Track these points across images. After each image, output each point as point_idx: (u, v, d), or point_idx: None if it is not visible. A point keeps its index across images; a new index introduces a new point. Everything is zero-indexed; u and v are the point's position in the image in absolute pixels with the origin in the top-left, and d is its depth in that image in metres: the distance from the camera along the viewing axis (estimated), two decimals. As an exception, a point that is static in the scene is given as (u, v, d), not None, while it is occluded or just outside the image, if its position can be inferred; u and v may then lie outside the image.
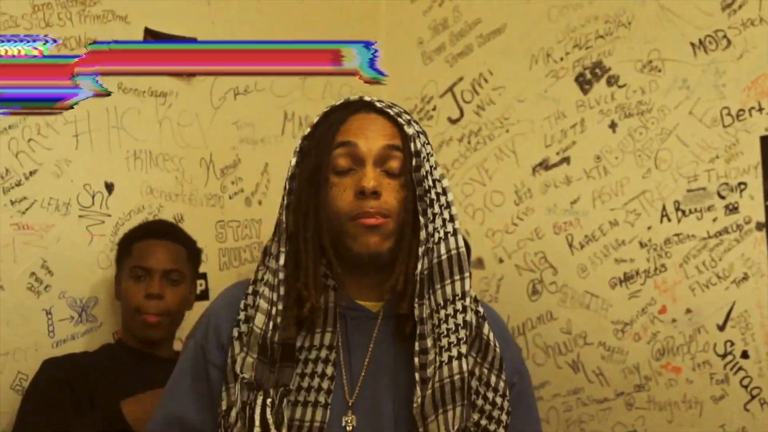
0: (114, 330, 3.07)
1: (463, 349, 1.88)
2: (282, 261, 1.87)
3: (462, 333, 1.89)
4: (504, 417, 1.96)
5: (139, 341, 2.89)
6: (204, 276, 3.34)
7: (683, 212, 3.23)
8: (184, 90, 3.32)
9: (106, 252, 3.07)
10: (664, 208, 3.27)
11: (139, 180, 3.19)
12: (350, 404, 1.91)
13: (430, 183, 1.88)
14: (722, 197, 3.15)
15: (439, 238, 1.88)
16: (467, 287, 1.90)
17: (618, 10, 3.44)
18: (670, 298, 3.21)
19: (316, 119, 1.93)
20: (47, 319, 2.94)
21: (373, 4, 4.11)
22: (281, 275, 1.86)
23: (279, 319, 1.86)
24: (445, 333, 1.88)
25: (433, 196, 1.88)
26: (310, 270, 1.85)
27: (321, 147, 1.88)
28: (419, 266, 1.85)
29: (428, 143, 1.93)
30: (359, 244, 1.84)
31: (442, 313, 1.88)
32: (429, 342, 1.87)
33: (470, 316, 1.91)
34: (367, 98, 1.93)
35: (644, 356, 3.25)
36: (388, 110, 1.91)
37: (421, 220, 1.86)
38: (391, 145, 1.87)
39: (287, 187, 1.91)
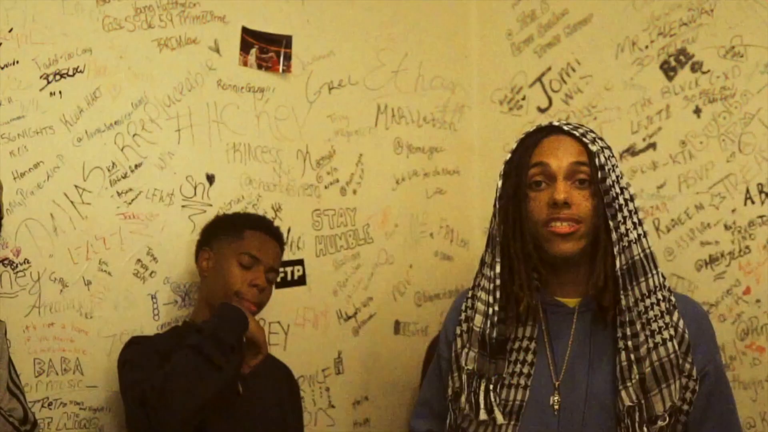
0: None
1: (672, 332, 2.19)
2: (498, 269, 2.24)
3: (668, 318, 2.19)
4: (692, 397, 2.22)
5: None
6: (301, 262, 3.46)
7: (767, 194, 3.25)
8: (280, 85, 3.43)
9: None
10: (747, 191, 3.29)
11: (238, 171, 3.30)
12: (556, 386, 2.25)
13: (617, 191, 2.19)
14: (807, 183, 3.17)
15: (632, 239, 2.17)
16: (661, 279, 2.21)
17: None
18: (754, 279, 3.24)
19: (514, 145, 2.31)
20: (152, 304, 3.07)
21: None
22: (498, 281, 2.24)
23: (495, 318, 2.24)
24: (654, 318, 2.17)
25: (621, 201, 2.19)
26: (523, 274, 2.21)
27: (519, 168, 2.22)
28: (617, 263, 2.16)
29: (613, 156, 2.25)
30: (554, 248, 2.18)
31: (648, 301, 2.17)
32: (638, 326, 2.16)
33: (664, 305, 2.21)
34: (555, 123, 2.29)
35: (729, 337, 3.29)
36: (575, 132, 2.23)
37: (611, 223, 2.16)
38: (578, 162, 2.19)
39: (496, 205, 2.28)
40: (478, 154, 4.16)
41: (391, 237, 3.79)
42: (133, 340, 2.84)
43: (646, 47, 3.61)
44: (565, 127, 2.24)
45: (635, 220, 2.20)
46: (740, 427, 2.34)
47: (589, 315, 2.26)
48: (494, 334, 2.25)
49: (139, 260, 3.05)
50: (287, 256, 3.35)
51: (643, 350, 2.16)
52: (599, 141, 2.25)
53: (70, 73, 2.89)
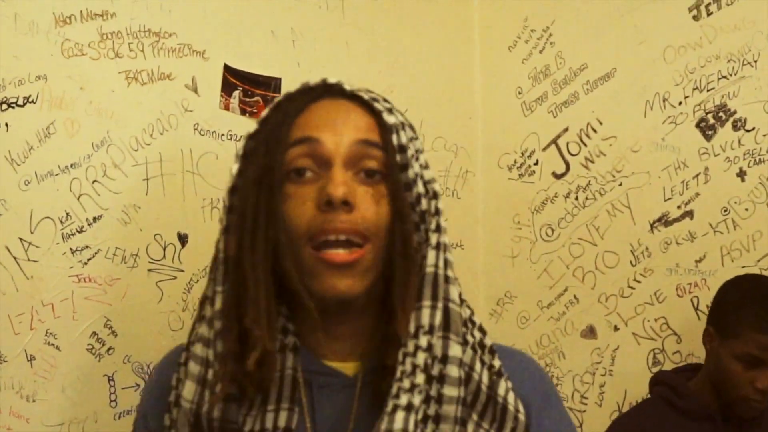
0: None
1: (416, 399, 1.36)
2: (219, 304, 1.41)
3: (419, 377, 1.37)
4: None
5: None
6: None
7: None
8: None
9: (178, 312, 2.83)
10: None
11: (215, 232, 2.89)
12: None
13: (421, 190, 1.44)
14: None
15: (422, 256, 1.43)
16: (437, 320, 1.39)
17: (742, 47, 3.19)
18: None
19: (265, 112, 1.51)
20: (109, 387, 2.71)
21: (467, 52, 3.92)
22: (218, 324, 1.40)
23: (218, 386, 1.38)
24: (410, 371, 1.37)
25: (425, 206, 1.43)
26: (262, 302, 1.38)
27: (270, 145, 1.42)
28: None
29: (416, 138, 1.50)
30: (324, 284, 1.37)
31: (411, 344, 1.38)
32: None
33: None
34: (332, 80, 1.50)
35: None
36: (361, 95, 1.48)
37: (414, 238, 1.41)
38: (367, 141, 1.42)
39: (227, 203, 1.49)
40: (483, 225, 3.86)
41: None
42: None
43: (680, 104, 3.33)
44: (347, 88, 1.48)
45: (432, 225, 1.44)
46: None
47: (372, 388, 1.45)
48: (216, 414, 1.39)
49: (94, 333, 2.67)
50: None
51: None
52: (398, 113, 1.50)
53: (20, 102, 2.53)
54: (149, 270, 2.78)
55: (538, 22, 3.74)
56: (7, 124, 2.48)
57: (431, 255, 1.41)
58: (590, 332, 3.44)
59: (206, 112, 2.94)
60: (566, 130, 3.59)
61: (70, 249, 2.62)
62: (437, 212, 1.44)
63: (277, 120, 1.44)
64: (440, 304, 1.39)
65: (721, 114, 3.21)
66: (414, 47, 3.66)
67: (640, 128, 3.40)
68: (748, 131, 3.14)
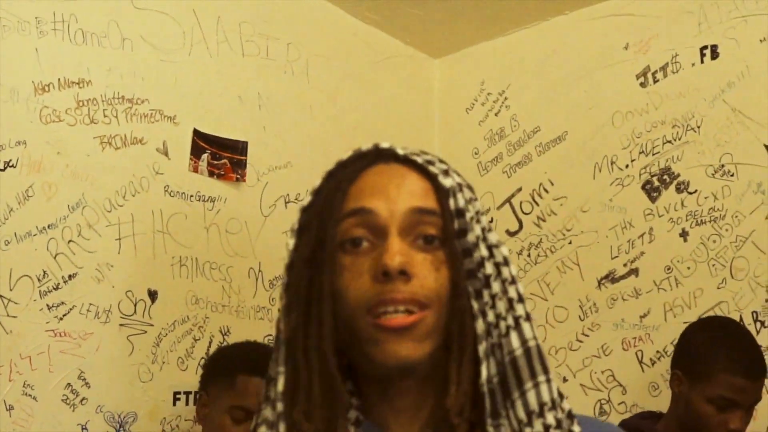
0: (153, 449, 2.89)
1: None
2: (281, 385, 1.32)
3: None
4: None
5: None
6: (252, 393, 3.17)
7: (762, 323, 3.09)
8: (233, 195, 3.23)
9: (147, 364, 2.92)
10: (741, 320, 3.11)
11: (184, 288, 3.07)
12: None
13: (484, 253, 1.32)
14: (804, 306, 3.03)
15: (508, 328, 1.30)
16: (555, 393, 1.30)
17: (686, 113, 3.37)
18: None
19: (318, 182, 1.38)
20: None
21: (427, 114, 4.06)
22: (280, 407, 1.32)
23: None
24: None
25: (490, 270, 1.32)
26: (315, 389, 1.29)
27: (324, 218, 1.33)
28: (484, 372, 1.29)
29: (476, 199, 1.40)
30: (384, 354, 1.27)
31: (538, 424, 1.28)
32: None
33: None
34: (384, 145, 1.39)
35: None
36: (416, 158, 1.36)
37: (475, 305, 1.30)
38: (422, 208, 1.31)
39: (285, 281, 1.37)
40: (440, 281, 3.91)
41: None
42: None
43: (627, 166, 3.49)
44: (401, 152, 1.36)
45: (513, 295, 1.31)
46: None
47: None
48: None
49: (69, 384, 2.75)
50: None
51: None
52: (455, 175, 1.38)
53: (1, 166, 2.64)
54: (121, 325, 2.87)
55: (494, 85, 3.91)
56: (-12, 188, 2.59)
57: (526, 328, 1.30)
58: (541, 383, 3.51)
59: (176, 175, 3.04)
60: (520, 189, 3.74)
61: (47, 305, 2.70)
62: (513, 281, 1.33)
63: (330, 190, 1.34)
64: (551, 375, 1.31)
65: (665, 177, 3.35)
66: (376, 109, 3.79)
67: (590, 189, 3.55)
68: (690, 194, 3.29)
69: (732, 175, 3.22)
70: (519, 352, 1.28)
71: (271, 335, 3.24)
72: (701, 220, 3.27)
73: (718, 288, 3.18)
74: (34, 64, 2.73)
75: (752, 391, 2.68)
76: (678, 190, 3.33)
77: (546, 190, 3.67)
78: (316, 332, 1.29)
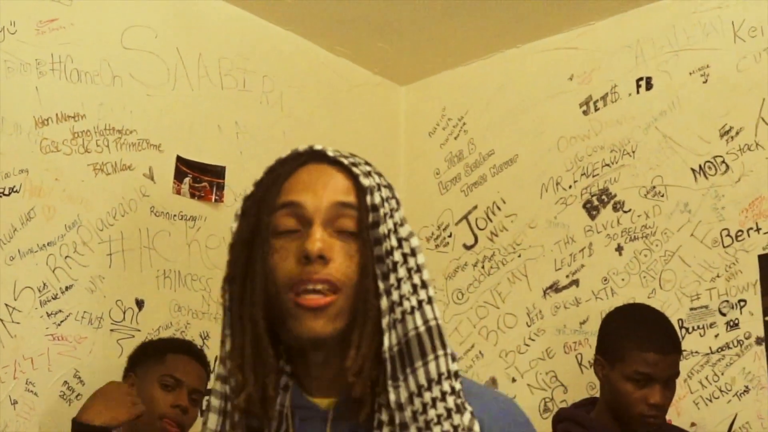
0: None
1: None
2: (228, 346, 1.50)
3: (457, 419, 1.45)
4: None
5: None
6: (228, 391, 3.41)
7: (687, 330, 3.34)
8: (212, 214, 3.47)
9: None
10: None
11: (168, 298, 3.31)
12: None
13: (393, 243, 1.49)
14: (723, 314, 3.28)
15: (412, 308, 1.48)
16: (453, 367, 1.48)
17: (623, 139, 3.63)
18: (675, 413, 3.28)
19: (261, 176, 1.58)
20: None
21: (393, 137, 4.32)
22: (229, 363, 1.50)
23: (236, 416, 1.51)
24: (436, 420, 1.45)
25: (398, 258, 1.49)
26: (247, 349, 1.47)
27: (261, 207, 1.52)
28: (386, 341, 1.46)
29: (393, 197, 1.56)
30: (300, 326, 1.45)
31: (427, 396, 1.45)
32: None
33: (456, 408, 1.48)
34: (318, 147, 1.57)
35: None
36: (343, 160, 1.54)
37: (381, 285, 1.48)
38: (343, 203, 1.50)
39: (228, 257, 1.55)
40: (404, 290, 4.16)
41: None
42: None
43: (570, 187, 3.75)
44: (330, 153, 1.55)
45: (416, 281, 1.49)
46: None
47: (349, 423, 1.51)
48: None
49: (66, 382, 3.00)
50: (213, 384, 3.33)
51: None
52: (376, 176, 1.56)
53: (6, 192, 2.90)
54: (111, 330, 3.12)
55: (454, 111, 4.18)
56: (-5, 211, 2.87)
57: (428, 309, 1.48)
58: (492, 383, 3.76)
59: (161, 197, 3.31)
60: (475, 207, 4.00)
61: (47, 313, 2.96)
62: (419, 269, 1.50)
63: (268, 184, 1.53)
64: (449, 351, 1.49)
65: (603, 197, 3.63)
66: (346, 134, 4.03)
67: (537, 207, 3.81)
68: (625, 212, 3.57)
69: (662, 196, 3.48)
70: (422, 329, 1.46)
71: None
72: (634, 236, 3.52)
73: (648, 297, 3.41)
74: (34, 101, 3.00)
75: (665, 365, 2.79)
76: (614, 209, 3.59)
77: (499, 208, 3.92)
78: (250, 302, 1.47)
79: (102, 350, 3.10)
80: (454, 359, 1.50)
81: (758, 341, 3.19)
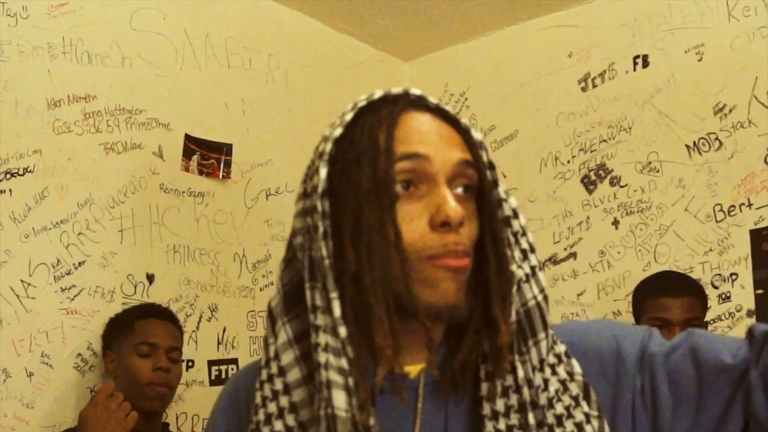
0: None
1: (586, 408, 1.30)
2: (337, 311, 1.21)
3: (573, 388, 1.30)
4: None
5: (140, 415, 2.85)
6: (236, 361, 3.55)
7: None
8: (220, 191, 3.57)
9: None
10: None
11: (177, 272, 3.41)
12: None
13: (514, 204, 1.34)
14: (716, 287, 3.38)
15: (526, 275, 1.29)
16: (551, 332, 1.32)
17: (620, 116, 3.71)
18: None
19: (344, 115, 1.28)
20: (91, 396, 3.03)
21: None
22: (343, 331, 1.21)
23: (363, 394, 1.23)
24: (556, 397, 1.29)
25: (510, 221, 1.32)
26: (385, 323, 1.21)
27: (376, 155, 1.24)
28: (514, 314, 1.27)
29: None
30: (438, 294, 1.23)
31: (548, 371, 1.30)
32: (545, 416, 1.27)
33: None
34: (415, 91, 1.32)
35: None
36: (447, 109, 1.32)
37: (508, 253, 1.27)
38: (466, 161, 1.27)
39: (320, 209, 1.24)
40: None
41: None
42: None
43: (568, 162, 3.84)
44: (432, 101, 1.32)
45: (525, 245, 1.31)
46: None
47: (442, 390, 1.30)
48: (370, 421, 1.23)
49: (79, 354, 3.10)
50: (222, 354, 3.45)
51: None
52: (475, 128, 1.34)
53: (20, 172, 2.99)
54: (123, 303, 3.19)
55: (456, 87, 4.26)
56: (10, 190, 2.95)
57: (541, 278, 1.31)
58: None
59: (170, 174, 3.39)
60: None
61: (61, 288, 3.06)
62: (524, 232, 1.32)
63: (371, 128, 1.27)
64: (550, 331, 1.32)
65: (600, 172, 3.73)
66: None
67: (536, 182, 3.91)
68: (622, 187, 3.66)
69: (657, 171, 3.58)
70: (540, 297, 1.28)
71: (253, 311, 3.64)
72: (630, 211, 3.62)
73: (644, 270, 3.50)
74: (46, 84, 3.08)
75: (679, 308, 2.92)
76: (611, 183, 3.69)
77: (499, 183, 3.99)
78: (381, 266, 1.22)
79: (114, 323, 3.19)
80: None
81: (749, 314, 3.29)
